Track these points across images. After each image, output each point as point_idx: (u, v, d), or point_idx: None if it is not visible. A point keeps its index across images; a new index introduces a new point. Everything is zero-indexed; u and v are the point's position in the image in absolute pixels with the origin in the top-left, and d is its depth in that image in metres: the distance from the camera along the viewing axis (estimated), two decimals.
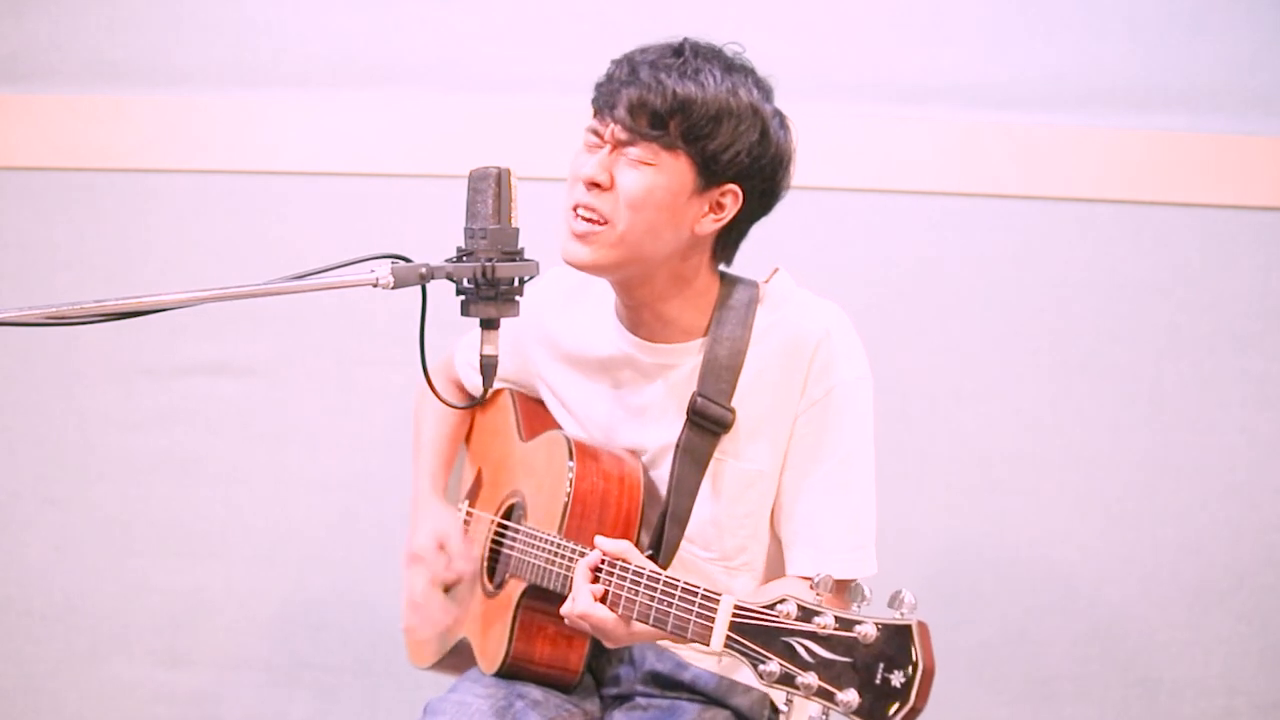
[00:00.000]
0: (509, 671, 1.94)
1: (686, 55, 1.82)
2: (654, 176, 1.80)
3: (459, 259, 1.64)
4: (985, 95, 2.75)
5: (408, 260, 1.59)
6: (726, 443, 1.88)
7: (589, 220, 1.82)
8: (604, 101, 1.83)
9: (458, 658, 2.10)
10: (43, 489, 2.90)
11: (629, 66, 1.82)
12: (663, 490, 1.91)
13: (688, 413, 1.88)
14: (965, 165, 2.76)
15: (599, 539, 1.73)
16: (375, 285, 1.57)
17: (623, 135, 1.80)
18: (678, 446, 1.89)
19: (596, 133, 1.84)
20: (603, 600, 1.70)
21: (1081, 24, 2.75)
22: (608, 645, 1.77)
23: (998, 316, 2.79)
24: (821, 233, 2.77)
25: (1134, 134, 2.74)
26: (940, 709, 2.86)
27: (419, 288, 1.62)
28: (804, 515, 1.87)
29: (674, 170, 1.80)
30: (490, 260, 1.62)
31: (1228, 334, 2.78)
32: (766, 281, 1.95)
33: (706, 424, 1.87)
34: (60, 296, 2.65)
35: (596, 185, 1.81)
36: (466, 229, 1.65)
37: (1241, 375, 2.78)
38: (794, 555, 1.89)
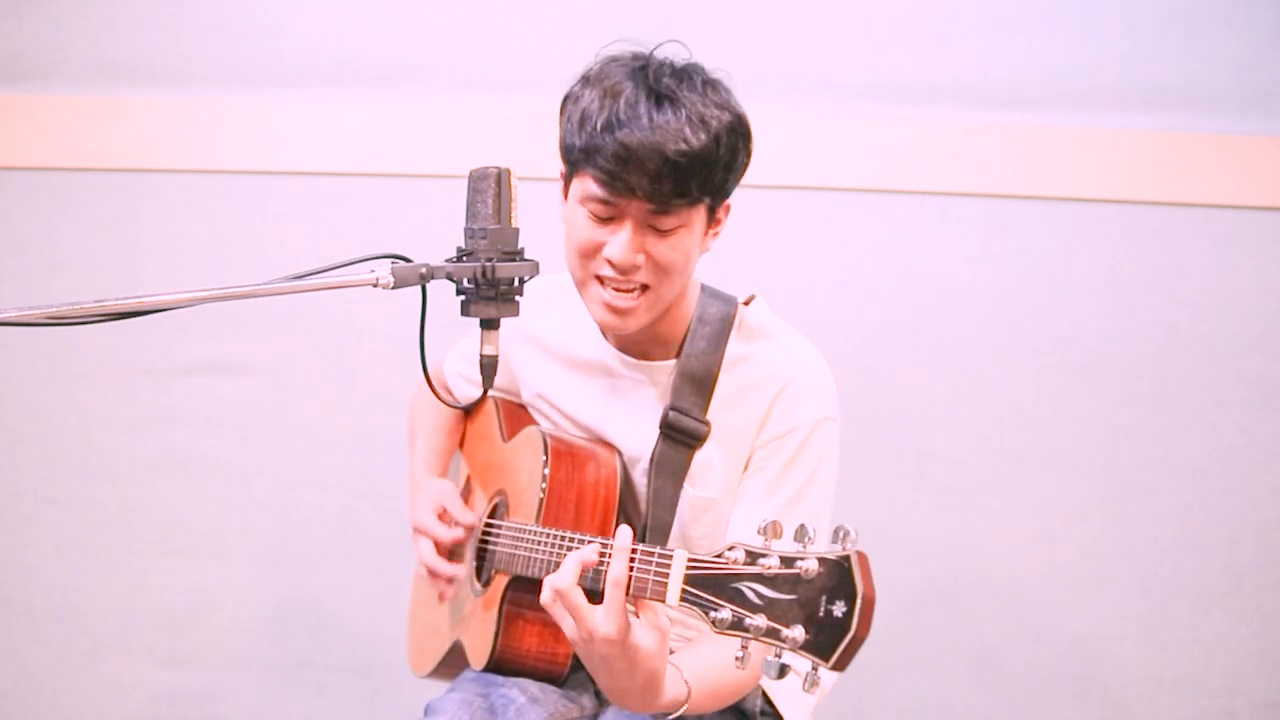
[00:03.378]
0: (498, 665, 1.94)
1: (674, 96, 1.76)
2: (685, 238, 1.80)
3: (459, 259, 1.64)
4: (985, 95, 2.75)
5: (408, 260, 1.59)
6: (693, 462, 1.88)
7: (627, 292, 1.81)
8: (615, 177, 1.74)
9: (454, 664, 2.11)
10: (43, 489, 2.90)
11: (632, 130, 1.73)
12: (641, 503, 1.92)
13: (661, 426, 1.89)
14: (965, 165, 2.76)
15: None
16: (375, 285, 1.57)
17: (649, 208, 1.76)
18: (652, 460, 1.89)
19: (608, 204, 1.78)
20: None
21: (1081, 24, 2.75)
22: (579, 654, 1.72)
23: (997, 316, 2.79)
24: (822, 233, 2.77)
25: (1134, 134, 2.74)
26: (940, 709, 2.87)
27: (419, 288, 1.62)
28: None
29: (696, 221, 1.81)
30: (490, 260, 1.62)
31: (1228, 334, 2.78)
32: (745, 304, 1.95)
33: (680, 437, 1.88)
34: (59, 296, 2.65)
35: (634, 267, 1.80)
36: (466, 229, 1.65)
37: (1241, 375, 2.78)
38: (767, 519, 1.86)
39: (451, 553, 2.17)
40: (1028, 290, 2.79)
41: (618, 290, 1.81)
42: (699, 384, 1.88)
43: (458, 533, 2.04)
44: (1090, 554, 2.81)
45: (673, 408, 1.88)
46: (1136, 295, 2.78)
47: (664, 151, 1.72)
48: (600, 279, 1.82)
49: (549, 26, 2.77)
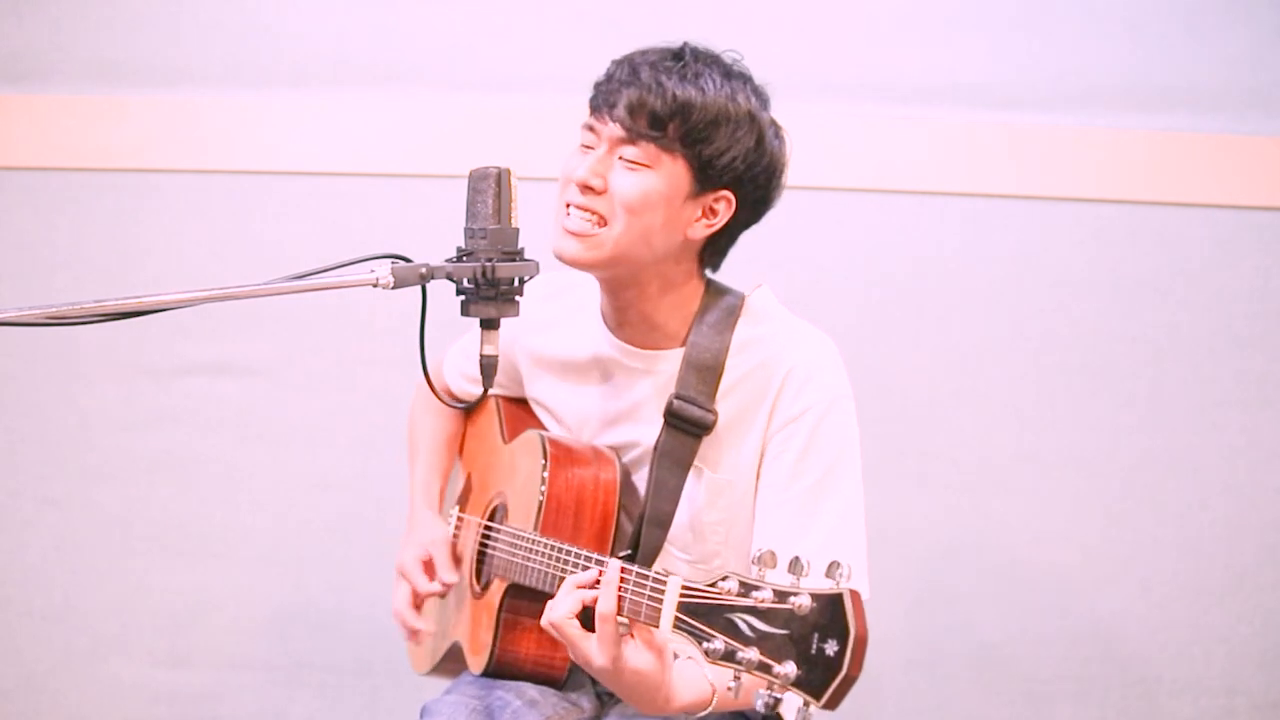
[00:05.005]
0: (496, 670, 1.94)
1: (687, 59, 1.82)
2: (650, 179, 1.80)
3: (459, 259, 1.64)
4: (985, 95, 2.75)
5: (408, 260, 1.59)
6: (703, 448, 1.88)
7: (585, 219, 1.82)
8: (602, 101, 1.82)
9: (453, 663, 2.11)
10: (43, 489, 2.90)
11: (629, 67, 1.82)
12: (643, 493, 1.91)
13: (665, 415, 1.87)
14: (965, 165, 2.76)
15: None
16: (375, 285, 1.57)
17: (620, 135, 1.80)
18: (656, 449, 1.88)
19: (593, 130, 1.84)
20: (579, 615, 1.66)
21: (1081, 24, 2.75)
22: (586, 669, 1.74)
23: (997, 316, 2.79)
24: (821, 233, 2.77)
25: (1134, 134, 2.74)
26: (940, 709, 2.87)
27: (419, 288, 1.62)
28: (777, 538, 1.82)
29: (670, 173, 1.80)
30: (490, 260, 1.62)
31: (1228, 334, 2.78)
32: (750, 295, 1.95)
33: (685, 426, 1.87)
34: (60, 296, 2.65)
35: (590, 189, 1.81)
36: (466, 229, 1.65)
37: (1241, 375, 2.78)
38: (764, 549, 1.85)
39: (450, 556, 2.17)
40: (1028, 290, 2.79)
41: (578, 211, 1.82)
42: (705, 372, 1.87)
43: (435, 588, 2.05)
44: (1090, 554, 2.81)
45: (678, 396, 1.87)
46: (1136, 295, 2.78)
47: (650, 84, 1.78)
48: (568, 208, 1.83)
49: (549, 26, 2.77)
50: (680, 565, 1.91)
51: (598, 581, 1.63)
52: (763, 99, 1.86)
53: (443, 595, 2.07)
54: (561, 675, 1.95)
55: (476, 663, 1.98)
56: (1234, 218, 2.76)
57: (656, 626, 1.52)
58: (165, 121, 2.82)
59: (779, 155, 1.87)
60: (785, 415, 1.85)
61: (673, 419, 1.87)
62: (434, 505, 2.18)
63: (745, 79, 1.85)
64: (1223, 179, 2.74)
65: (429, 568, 2.06)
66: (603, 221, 1.81)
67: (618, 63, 1.85)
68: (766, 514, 1.86)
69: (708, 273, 1.94)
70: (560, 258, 1.85)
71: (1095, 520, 2.81)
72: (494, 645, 1.93)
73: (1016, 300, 2.79)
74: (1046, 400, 2.80)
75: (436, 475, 2.21)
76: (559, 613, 1.63)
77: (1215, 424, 2.79)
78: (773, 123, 1.87)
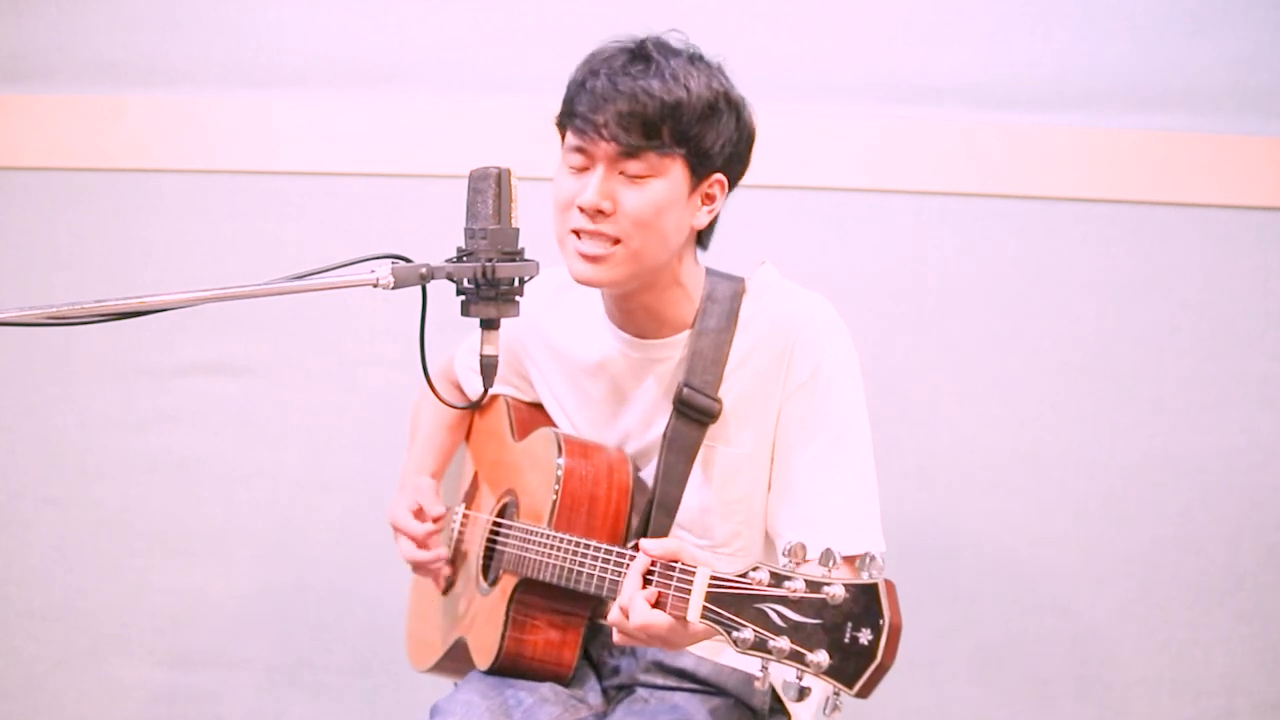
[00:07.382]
0: (503, 666, 1.95)
1: (653, 56, 1.81)
2: (657, 189, 1.80)
3: (459, 259, 1.64)
4: (985, 95, 2.75)
5: (408, 260, 1.59)
6: (715, 430, 1.89)
7: (599, 238, 1.81)
8: (586, 120, 1.80)
9: (455, 660, 2.11)
10: (43, 489, 2.90)
11: (605, 79, 1.80)
12: (650, 480, 1.92)
13: (674, 403, 1.89)
14: (965, 165, 2.76)
15: (645, 542, 1.66)
16: (375, 285, 1.57)
17: (617, 151, 1.79)
18: (665, 436, 1.90)
19: (581, 152, 1.82)
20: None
21: (1081, 24, 2.75)
22: (668, 650, 1.75)
23: (997, 316, 2.79)
24: (822, 233, 2.77)
25: (1134, 134, 2.74)
26: (940, 709, 2.87)
27: (419, 288, 1.62)
28: (799, 497, 1.86)
29: (672, 176, 1.81)
30: (490, 260, 1.62)
31: (1228, 334, 2.78)
32: (751, 276, 1.96)
33: (693, 414, 1.88)
34: (60, 296, 2.65)
35: (601, 212, 1.80)
36: (466, 229, 1.65)
37: (1241, 375, 2.78)
38: (793, 540, 1.85)
39: (455, 553, 2.17)
40: (1028, 290, 2.79)
41: (589, 236, 1.81)
42: (712, 358, 1.88)
43: (429, 526, 2.08)
44: (1090, 554, 2.81)
45: (686, 384, 1.88)
46: (1136, 295, 2.78)
47: (634, 94, 1.77)
48: (576, 232, 1.83)
49: (549, 26, 2.77)
50: (696, 552, 1.91)
51: (650, 568, 1.62)
52: (723, 73, 1.86)
53: (437, 532, 2.09)
54: (568, 672, 1.95)
55: (483, 659, 1.98)
56: (1234, 218, 2.76)
57: (684, 616, 1.53)
58: (165, 121, 2.82)
59: (752, 125, 1.88)
60: (797, 380, 1.87)
61: (682, 406, 1.88)
62: (424, 472, 2.19)
63: (702, 58, 1.85)
64: (1222, 179, 2.74)
65: (420, 514, 2.08)
66: (617, 240, 1.82)
67: (586, 73, 1.83)
68: (784, 476, 1.87)
69: (705, 261, 1.96)
70: (582, 283, 1.85)
71: (1095, 520, 2.80)
72: (502, 641, 1.93)
73: (1016, 300, 2.79)
74: (1046, 400, 2.80)
75: (432, 451, 2.22)
76: (637, 615, 1.61)
77: (1215, 424, 2.79)
78: (738, 96, 1.87)
